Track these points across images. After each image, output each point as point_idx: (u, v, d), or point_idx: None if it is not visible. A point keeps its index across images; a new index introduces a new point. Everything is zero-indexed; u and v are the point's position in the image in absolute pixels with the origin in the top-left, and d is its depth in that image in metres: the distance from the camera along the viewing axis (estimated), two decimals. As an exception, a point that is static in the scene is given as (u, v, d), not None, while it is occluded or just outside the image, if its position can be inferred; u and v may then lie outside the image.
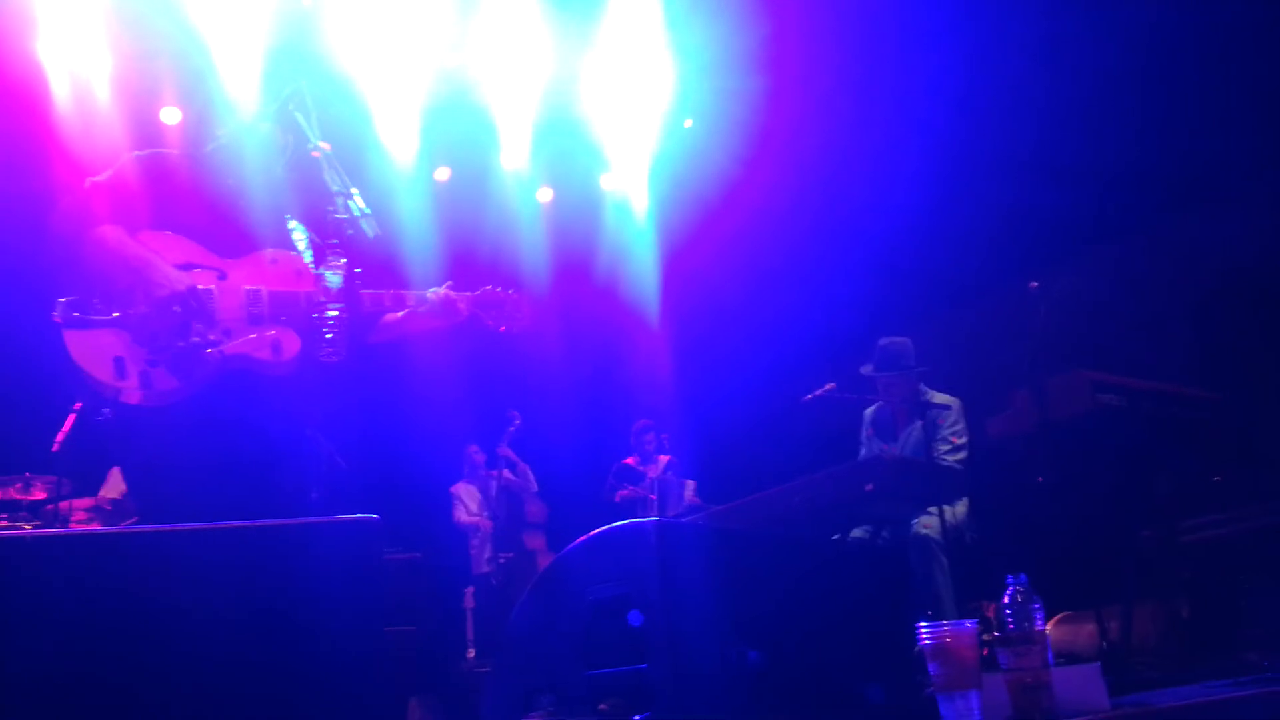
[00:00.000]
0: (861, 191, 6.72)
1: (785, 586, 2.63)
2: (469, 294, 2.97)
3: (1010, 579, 2.19)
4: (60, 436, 5.30)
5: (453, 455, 6.93)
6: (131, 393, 2.42)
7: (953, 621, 2.03)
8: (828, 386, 4.57)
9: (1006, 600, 2.17)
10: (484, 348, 5.18)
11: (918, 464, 4.05)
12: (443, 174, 7.83)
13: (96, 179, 2.62)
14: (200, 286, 2.54)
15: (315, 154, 2.82)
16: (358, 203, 2.80)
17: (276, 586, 1.96)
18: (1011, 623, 2.14)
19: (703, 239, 7.34)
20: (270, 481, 2.54)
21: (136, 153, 2.74)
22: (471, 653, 6.04)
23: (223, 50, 6.32)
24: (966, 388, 4.86)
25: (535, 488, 6.90)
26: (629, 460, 6.92)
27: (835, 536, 3.70)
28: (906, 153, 6.47)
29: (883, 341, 4.74)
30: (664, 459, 6.83)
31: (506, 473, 6.66)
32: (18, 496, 5.14)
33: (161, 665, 1.83)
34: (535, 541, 6.65)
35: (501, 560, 6.23)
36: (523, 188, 7.75)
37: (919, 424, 4.50)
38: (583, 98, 7.51)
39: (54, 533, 1.94)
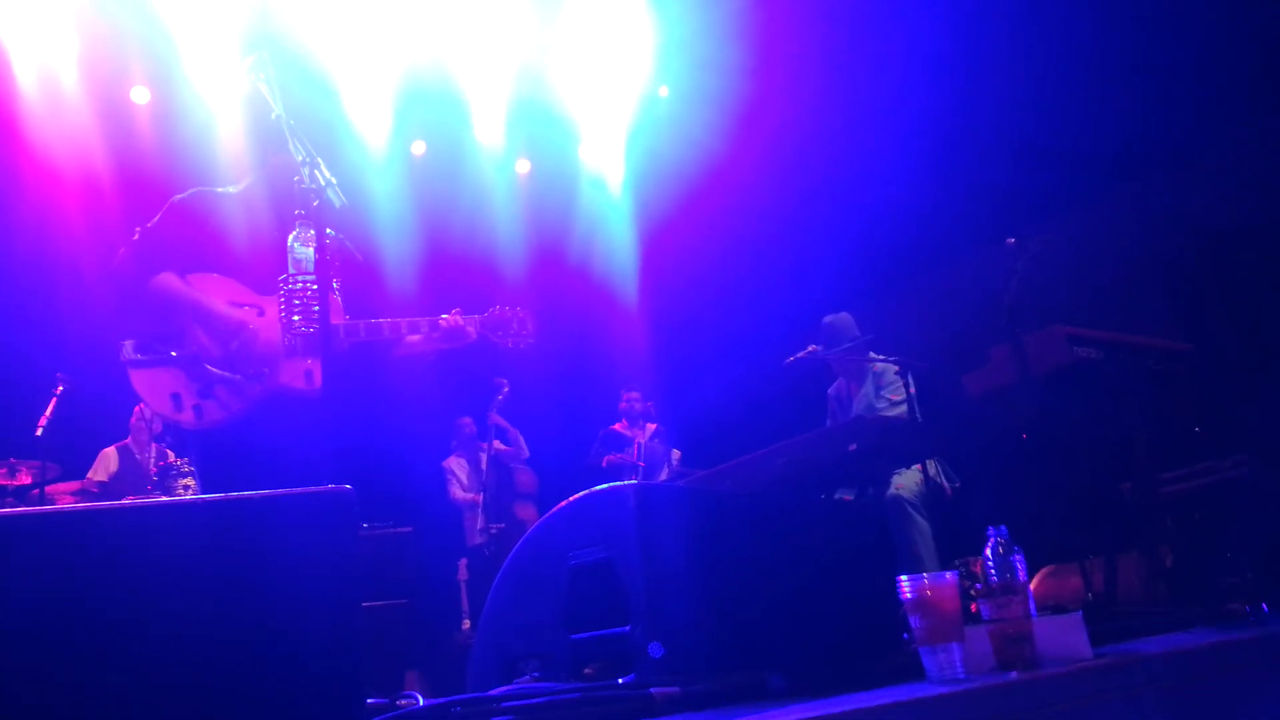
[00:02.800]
0: (839, 159, 6.74)
1: (767, 547, 2.64)
2: (477, 317, 3.09)
3: (991, 531, 2.21)
4: (43, 420, 5.29)
5: (444, 428, 6.94)
6: (187, 424, 2.74)
7: (933, 574, 2.05)
8: (810, 349, 4.61)
9: (988, 552, 2.19)
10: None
11: (898, 421, 4.09)
12: (418, 149, 7.77)
13: (146, 226, 2.88)
14: (249, 325, 2.83)
15: (277, 122, 2.86)
16: (323, 172, 2.85)
17: (250, 560, 1.93)
18: (994, 574, 2.16)
19: (680, 209, 7.34)
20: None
21: (177, 196, 2.94)
22: (467, 624, 6.07)
23: (188, 29, 6.29)
24: (946, 348, 4.93)
25: (527, 454, 6.91)
26: (617, 426, 6.94)
27: (821, 497, 3.72)
28: (883, 120, 6.49)
29: (826, 320, 4.95)
30: (651, 426, 6.85)
31: (498, 443, 6.67)
32: (3, 482, 5.12)
33: (131, 643, 1.80)
34: (526, 512, 6.67)
35: (494, 531, 6.26)
36: (498, 162, 7.71)
37: (868, 389, 4.76)
38: (557, 69, 7.46)
39: (16, 512, 1.92)
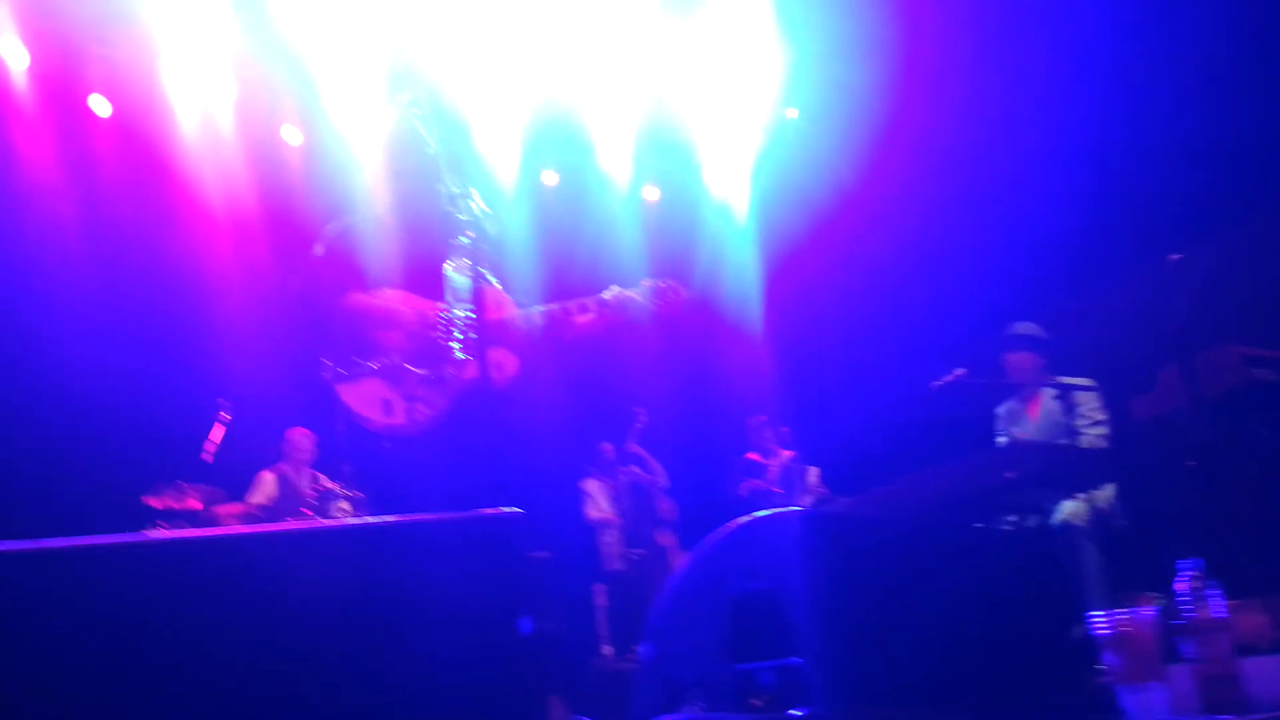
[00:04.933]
0: (982, 174, 6.53)
1: (935, 577, 2.55)
2: (635, 289, 3.14)
3: (1183, 564, 2.08)
4: (211, 446, 5.60)
5: (579, 452, 7.01)
6: (400, 427, 2.84)
7: (1131, 608, 1.94)
8: (956, 373, 4.46)
9: (1182, 587, 2.07)
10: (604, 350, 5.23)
11: (1059, 448, 3.90)
12: (550, 179, 7.94)
13: (316, 252, 3.03)
14: (438, 323, 2.94)
15: (433, 156, 2.99)
16: (478, 203, 2.93)
17: (420, 582, 1.97)
18: (1190, 611, 2.03)
19: (810, 233, 7.24)
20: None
21: (341, 223, 3.10)
22: (608, 649, 6.08)
23: (335, 71, 6.62)
24: (1105, 370, 4.68)
25: (667, 483, 6.91)
26: (751, 455, 6.87)
27: (978, 525, 3.58)
28: (1032, 131, 6.25)
29: (1012, 327, 4.73)
30: (786, 453, 6.76)
31: (636, 469, 6.70)
32: (173, 505, 5.41)
33: (303, 663, 1.87)
34: (666, 539, 6.65)
35: (634, 557, 6.27)
36: (626, 190, 7.80)
37: (1055, 406, 4.43)
38: (684, 96, 7.51)
39: (197, 534, 2.01)
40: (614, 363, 6.35)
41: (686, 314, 3.28)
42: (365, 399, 2.87)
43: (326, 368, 2.90)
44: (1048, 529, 3.94)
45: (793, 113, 7.54)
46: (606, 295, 3.11)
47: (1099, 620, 1.99)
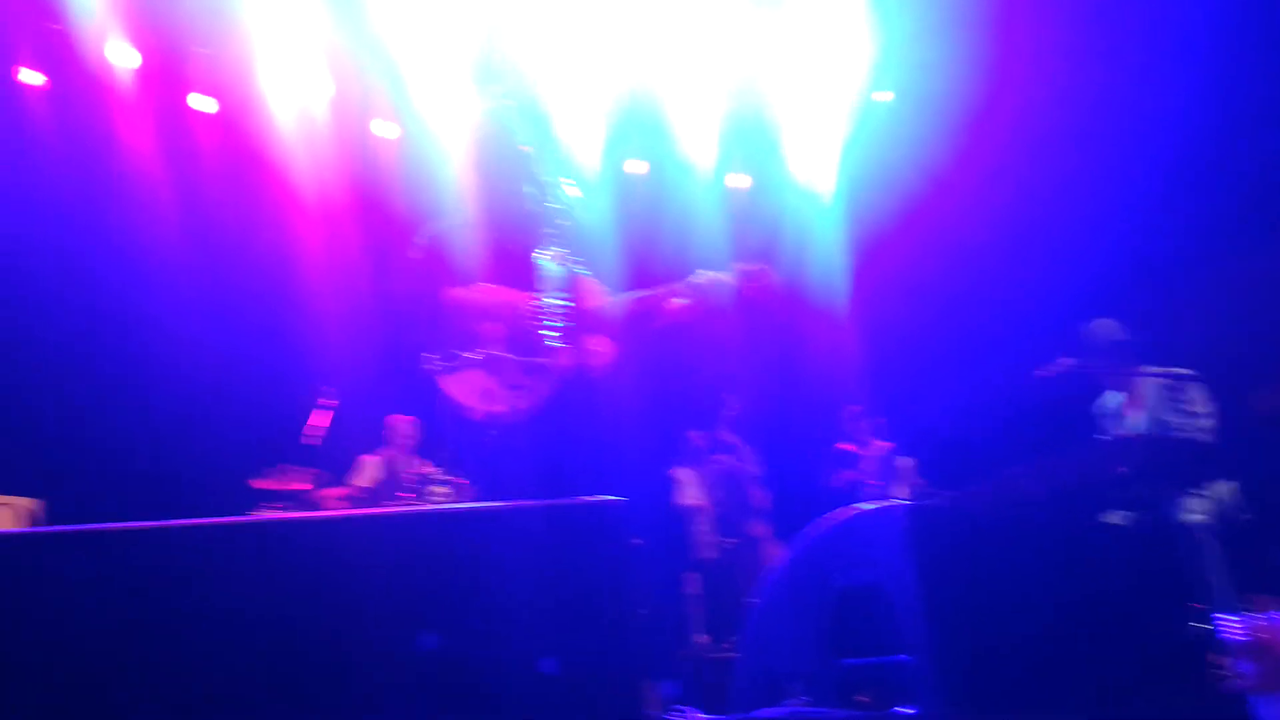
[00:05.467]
0: (1085, 155, 6.28)
1: (1047, 573, 2.48)
2: (725, 273, 3.13)
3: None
4: (315, 430, 5.79)
5: (671, 440, 7.01)
6: (501, 415, 2.89)
7: (1269, 613, 1.85)
8: (1063, 361, 4.32)
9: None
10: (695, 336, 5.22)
11: (1174, 441, 3.74)
12: (636, 168, 7.94)
13: (413, 252, 3.09)
14: (535, 314, 2.96)
15: (524, 147, 3.04)
16: (569, 191, 2.96)
17: (522, 568, 1.99)
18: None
19: (902, 218, 7.08)
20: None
21: (435, 224, 3.16)
22: (702, 638, 6.08)
23: (426, 65, 6.74)
24: (1221, 363, 4.47)
25: (758, 471, 6.86)
26: (845, 445, 6.77)
27: (1092, 521, 3.46)
28: (1138, 113, 5.99)
29: (1087, 327, 4.58)
30: (882, 444, 6.64)
31: (728, 457, 6.67)
32: (280, 488, 5.61)
33: (404, 643, 1.91)
34: (759, 528, 6.62)
35: (725, 545, 6.26)
36: (710, 177, 7.75)
37: (1157, 401, 4.30)
38: (772, 81, 7.42)
39: (300, 516, 2.07)
40: (705, 349, 6.34)
41: (776, 297, 3.24)
42: (467, 389, 2.92)
43: (428, 361, 2.96)
44: (1167, 525, 3.79)
45: (886, 96, 7.38)
46: (695, 280, 3.11)
47: (1225, 623, 1.90)
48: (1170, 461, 3.29)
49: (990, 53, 6.46)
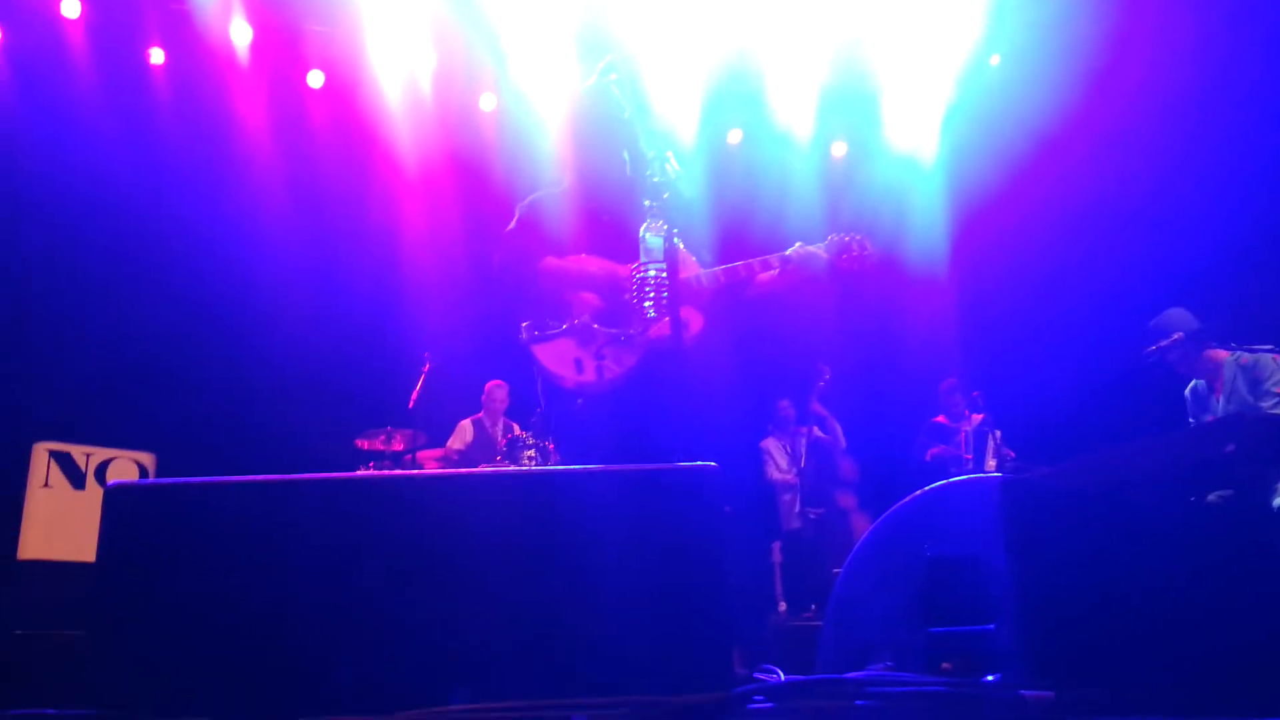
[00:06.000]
0: (1199, 127, 5.98)
1: (1141, 551, 2.43)
2: (821, 245, 3.12)
3: None
4: (414, 394, 6.01)
5: (760, 410, 7.03)
6: (590, 384, 2.97)
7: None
8: (1175, 336, 4.19)
9: None
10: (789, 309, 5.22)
11: (1266, 420, 3.60)
12: (734, 137, 7.91)
13: (511, 226, 3.17)
14: (630, 282, 3.00)
15: (625, 121, 3.07)
16: (673, 164, 2.96)
17: (613, 532, 2.03)
18: None
19: (1007, 186, 6.87)
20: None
21: (532, 196, 3.23)
22: (783, 606, 6.13)
23: (529, 37, 6.82)
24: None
25: (844, 444, 6.84)
26: (939, 418, 6.69)
27: (1191, 499, 3.37)
28: (1261, 81, 5.67)
29: (1152, 322, 4.54)
30: (976, 417, 6.53)
31: (816, 429, 6.66)
32: (381, 448, 5.85)
33: (494, 603, 1.96)
34: (847, 500, 6.60)
35: (812, 516, 6.27)
36: (810, 146, 7.66)
37: (1241, 384, 4.25)
38: (875, 45, 7.27)
39: (399, 474, 2.15)
40: (797, 320, 6.30)
41: (873, 269, 3.18)
42: (558, 358, 2.99)
43: (523, 330, 3.04)
44: (1263, 505, 3.66)
45: (995, 59, 7.16)
46: (790, 252, 3.09)
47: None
48: (1265, 440, 3.16)
49: (1105, 13, 6.20)
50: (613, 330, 3.01)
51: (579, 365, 2.98)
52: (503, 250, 3.17)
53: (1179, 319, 4.48)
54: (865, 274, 3.15)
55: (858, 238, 3.12)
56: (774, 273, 3.11)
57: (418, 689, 1.90)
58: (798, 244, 3.12)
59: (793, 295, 3.28)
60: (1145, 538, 2.48)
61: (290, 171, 7.07)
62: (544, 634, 1.97)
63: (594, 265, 3.12)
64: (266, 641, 1.93)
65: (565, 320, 3.03)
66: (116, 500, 2.02)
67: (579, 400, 3.03)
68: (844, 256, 3.10)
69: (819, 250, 3.10)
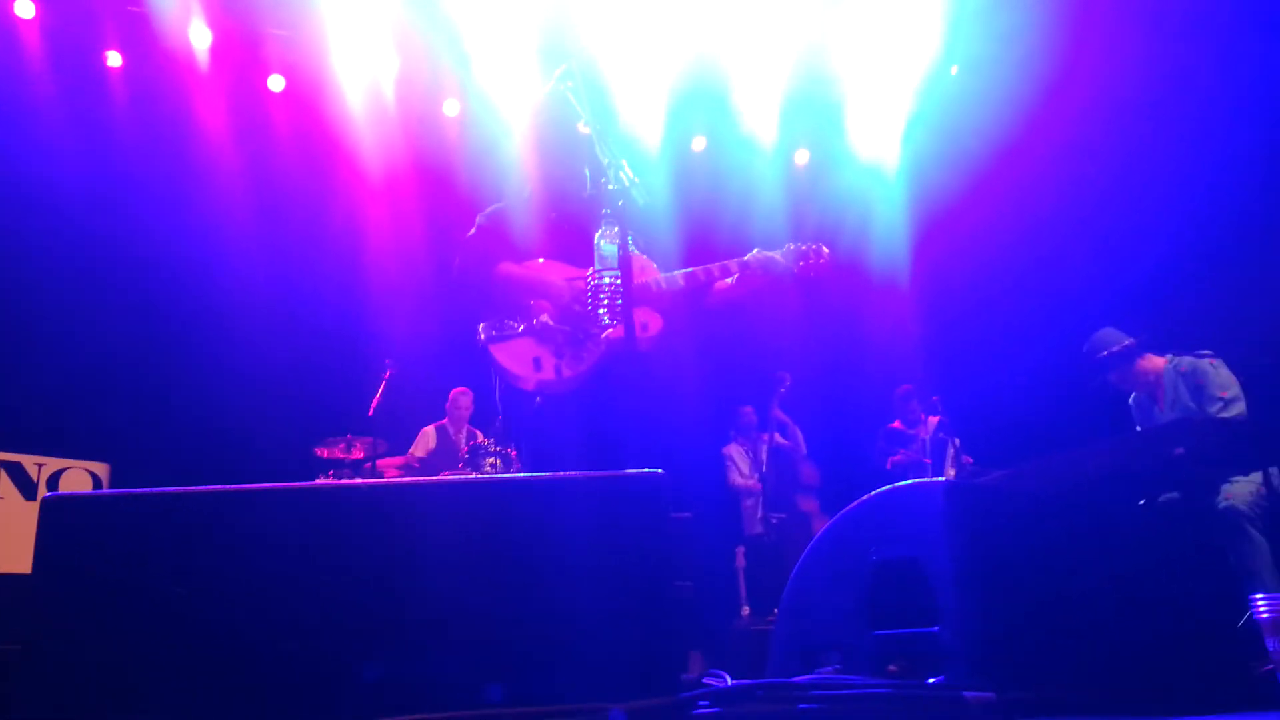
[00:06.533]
0: (1156, 135, 6.09)
1: (1082, 553, 2.47)
2: (779, 251, 3.17)
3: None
4: (374, 401, 5.97)
5: (722, 415, 7.06)
6: (549, 382, 2.98)
7: (1301, 595, 1.83)
8: (1125, 342, 4.27)
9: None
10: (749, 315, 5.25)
11: (1233, 424, 3.67)
12: (698, 144, 7.94)
13: (471, 233, 3.20)
14: (585, 290, 3.03)
15: (585, 128, 3.03)
16: (627, 173, 2.97)
17: (562, 539, 2.03)
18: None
19: (966, 195, 6.96)
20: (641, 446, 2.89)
21: (494, 206, 3.26)
22: (746, 610, 6.16)
23: (491, 44, 6.81)
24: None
25: (804, 450, 6.89)
26: (895, 424, 6.75)
27: (1140, 502, 3.43)
28: (1211, 88, 5.78)
29: (1089, 342, 4.67)
30: (933, 420, 6.59)
31: (777, 436, 6.70)
32: (341, 456, 5.81)
33: (452, 609, 1.96)
34: (809, 504, 6.66)
35: (774, 521, 6.31)
36: (772, 154, 7.71)
37: (1182, 392, 4.34)
38: (837, 55, 7.34)
39: (363, 484, 2.14)
40: (757, 326, 6.34)
41: (831, 276, 3.23)
42: (517, 357, 3.01)
43: (481, 330, 3.05)
44: (1211, 509, 3.73)
45: (954, 69, 7.25)
46: (748, 258, 3.13)
47: (1264, 606, 1.89)
48: (1215, 444, 3.22)
49: (1061, 25, 6.29)
50: (571, 330, 3.02)
51: (538, 364, 3.00)
52: (462, 255, 3.19)
53: (1108, 338, 4.58)
54: (824, 280, 3.21)
55: (816, 245, 3.17)
56: (733, 279, 3.16)
57: (360, 699, 1.89)
58: (756, 250, 3.15)
59: (752, 301, 3.32)
60: (1089, 540, 2.52)
61: (251, 177, 7.01)
62: (495, 640, 1.97)
63: (551, 272, 3.14)
64: (208, 654, 1.92)
65: (523, 322, 3.05)
66: (53, 512, 2.00)
67: (538, 399, 3.04)
68: (802, 263, 3.15)
69: (777, 256, 3.14)
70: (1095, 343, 4.63)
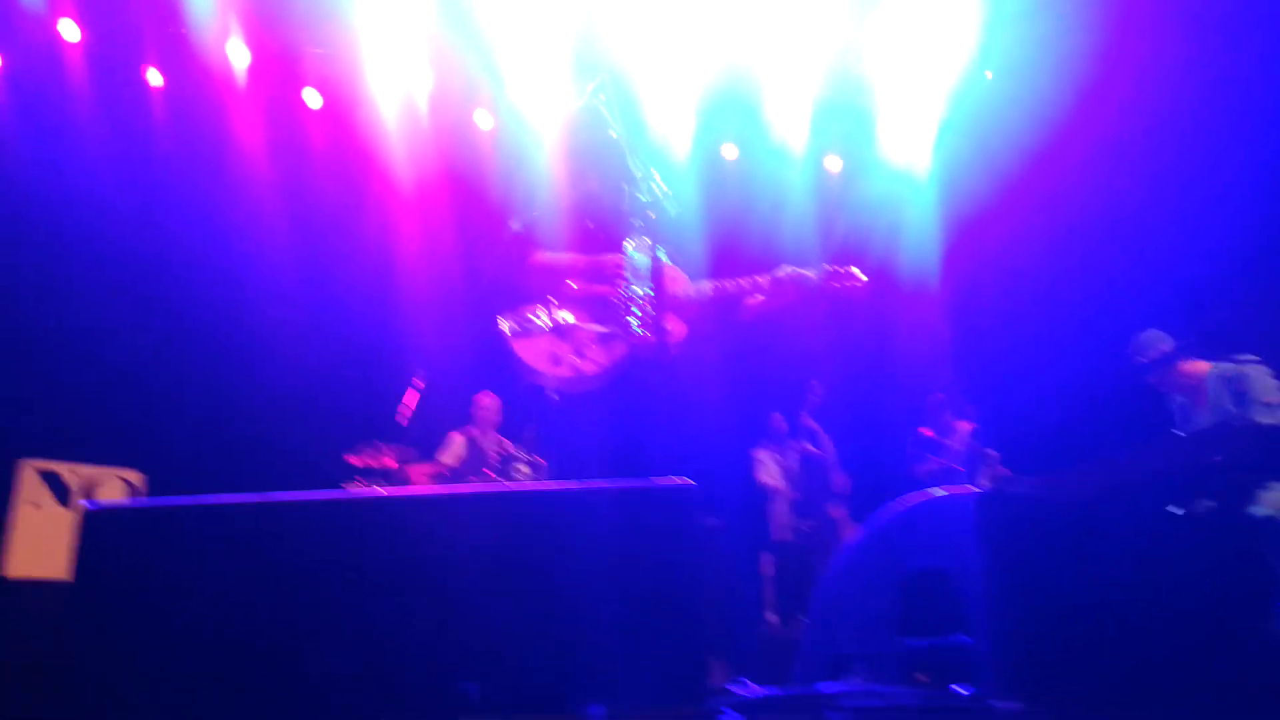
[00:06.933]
0: (1194, 139, 5.99)
1: (1118, 564, 2.43)
2: (813, 269, 3.17)
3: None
4: (406, 411, 6.01)
5: (752, 422, 7.03)
6: (567, 380, 3.00)
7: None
8: (1162, 348, 4.21)
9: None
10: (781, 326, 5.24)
11: (1249, 431, 3.61)
12: (730, 153, 7.95)
13: (505, 236, 3.22)
14: (620, 277, 3.07)
15: (617, 141, 3.06)
16: (659, 184, 2.99)
17: (591, 548, 2.06)
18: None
19: (1001, 200, 6.89)
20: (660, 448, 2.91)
21: (529, 213, 3.27)
22: (772, 617, 6.12)
23: (524, 57, 6.87)
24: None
25: (835, 459, 6.85)
26: (927, 431, 6.68)
27: (1177, 510, 3.36)
28: (1251, 94, 5.68)
29: (1134, 342, 4.60)
30: (966, 426, 6.52)
31: (808, 444, 6.67)
32: (372, 463, 5.84)
33: (480, 615, 1.99)
34: (838, 512, 6.61)
35: (803, 528, 6.27)
36: (804, 160, 7.69)
37: (1224, 396, 4.27)
38: (870, 61, 7.31)
39: (397, 494, 2.17)
40: (789, 334, 6.32)
41: (862, 297, 3.21)
42: (536, 353, 3.03)
43: (503, 325, 3.08)
44: (1247, 517, 3.65)
45: (989, 74, 7.19)
46: (780, 274, 3.13)
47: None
48: (1248, 451, 3.16)
49: (1097, 30, 6.23)
50: (593, 328, 3.04)
51: (556, 360, 3.01)
52: (499, 248, 3.22)
53: (1153, 340, 4.52)
54: (854, 301, 3.20)
55: (849, 268, 3.17)
56: (764, 295, 3.16)
57: (401, 703, 1.91)
58: (787, 266, 3.16)
59: (781, 317, 3.31)
60: (1121, 550, 2.48)
61: (286, 190, 7.12)
62: (521, 648, 1.99)
63: (584, 261, 3.17)
64: (246, 661, 1.95)
65: (548, 313, 3.08)
66: (94, 522, 2.04)
67: (555, 396, 3.06)
68: (835, 284, 3.15)
69: (810, 274, 3.14)
70: (1138, 345, 4.58)
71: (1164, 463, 3.31)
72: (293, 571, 2.04)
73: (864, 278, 3.16)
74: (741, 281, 3.15)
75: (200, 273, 6.66)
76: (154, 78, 6.97)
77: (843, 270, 3.15)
